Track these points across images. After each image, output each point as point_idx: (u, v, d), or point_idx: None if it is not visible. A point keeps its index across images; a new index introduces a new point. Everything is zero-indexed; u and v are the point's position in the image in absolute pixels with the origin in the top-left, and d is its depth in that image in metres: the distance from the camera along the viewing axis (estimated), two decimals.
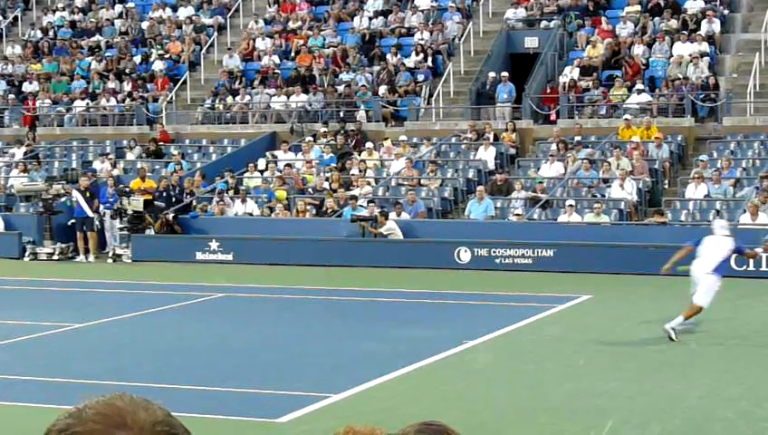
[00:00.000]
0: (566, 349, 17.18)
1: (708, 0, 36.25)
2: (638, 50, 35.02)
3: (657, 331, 18.63)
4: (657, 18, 36.01)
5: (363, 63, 37.67)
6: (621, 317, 20.31)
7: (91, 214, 30.38)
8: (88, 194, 30.64)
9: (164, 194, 31.33)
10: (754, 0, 37.04)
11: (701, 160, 30.02)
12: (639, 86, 33.60)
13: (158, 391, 13.76)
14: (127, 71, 40.53)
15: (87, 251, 30.30)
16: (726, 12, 36.23)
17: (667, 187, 30.79)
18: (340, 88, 36.90)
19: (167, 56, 40.75)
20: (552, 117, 34.19)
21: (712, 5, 35.94)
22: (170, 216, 30.33)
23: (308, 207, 30.60)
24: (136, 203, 30.18)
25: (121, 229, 30.28)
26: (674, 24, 35.57)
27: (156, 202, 30.81)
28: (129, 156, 36.45)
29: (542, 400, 13.70)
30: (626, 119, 32.08)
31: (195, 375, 15.26)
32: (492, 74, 35.33)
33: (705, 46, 34.33)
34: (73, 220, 30.67)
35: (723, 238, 18.44)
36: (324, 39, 39.31)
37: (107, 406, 2.20)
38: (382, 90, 36.19)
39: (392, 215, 28.90)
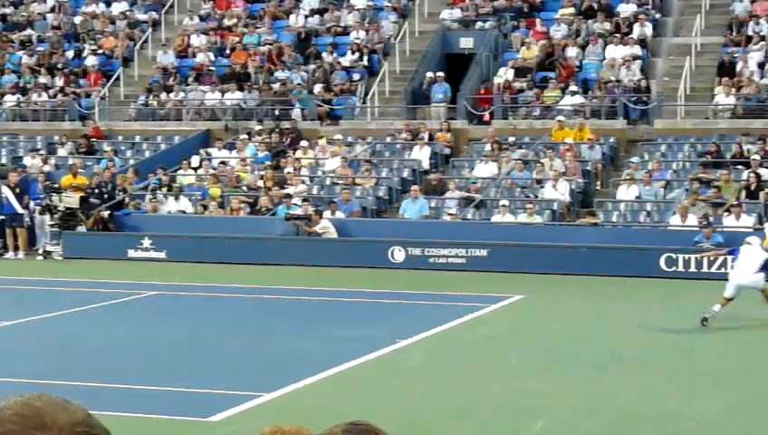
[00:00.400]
0: (499, 348, 17.28)
1: (641, 4, 36.63)
2: (572, 52, 35.30)
3: (589, 330, 18.82)
4: (590, 21, 36.34)
5: (299, 62, 37.62)
6: (553, 317, 20.46)
7: (20, 210, 30.03)
8: (18, 190, 30.29)
9: (96, 191, 31.09)
10: (685, 5, 37.49)
11: (632, 162, 30.32)
12: (573, 88, 33.88)
13: (88, 390, 13.66)
14: (59, 66, 40.12)
15: (17, 248, 29.95)
16: (658, 16, 36.65)
17: (599, 188, 31.05)
18: (276, 86, 36.83)
19: (100, 51, 40.41)
20: (486, 117, 34.36)
21: (644, 9, 36.33)
22: (105, 213, 30.11)
23: (242, 206, 30.50)
24: (70, 200, 29.94)
25: (52, 226, 30.00)
26: (607, 26, 35.91)
27: (90, 199, 30.58)
28: (61, 152, 36.08)
29: (475, 399, 13.77)
30: (559, 120, 32.32)
31: (125, 374, 15.15)
32: (429, 74, 35.41)
33: (637, 49, 34.69)
34: (2, 217, 30.30)
35: (757, 250, 19.78)
36: (260, 37, 39.20)
37: (25, 406, 2.14)
38: (318, 88, 36.18)
39: (327, 213, 28.89)
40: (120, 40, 40.53)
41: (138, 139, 36.81)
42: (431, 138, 33.26)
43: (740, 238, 26.32)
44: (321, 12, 39.73)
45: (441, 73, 35.40)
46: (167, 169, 32.61)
